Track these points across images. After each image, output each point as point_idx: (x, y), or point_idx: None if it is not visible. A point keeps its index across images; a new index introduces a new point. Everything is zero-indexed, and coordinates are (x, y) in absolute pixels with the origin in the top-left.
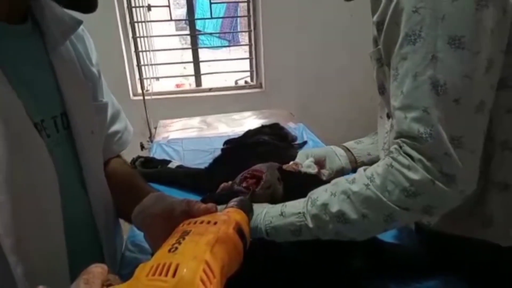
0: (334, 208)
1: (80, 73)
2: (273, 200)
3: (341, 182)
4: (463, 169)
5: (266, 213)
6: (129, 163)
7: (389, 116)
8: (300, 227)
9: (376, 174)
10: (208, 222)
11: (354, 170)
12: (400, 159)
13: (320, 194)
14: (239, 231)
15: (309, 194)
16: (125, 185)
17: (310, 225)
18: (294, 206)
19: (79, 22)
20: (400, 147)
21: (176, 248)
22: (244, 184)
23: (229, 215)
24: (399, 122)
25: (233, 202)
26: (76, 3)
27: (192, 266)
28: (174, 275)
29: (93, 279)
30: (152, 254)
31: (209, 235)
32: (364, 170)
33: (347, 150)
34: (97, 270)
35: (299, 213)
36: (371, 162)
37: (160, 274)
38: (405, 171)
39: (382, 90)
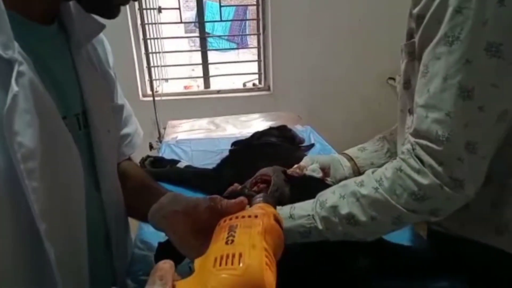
0: (343, 211)
1: (99, 74)
2: (280, 203)
3: (350, 184)
4: (472, 174)
5: None
6: (139, 165)
7: (410, 111)
8: (310, 229)
9: (384, 177)
10: (249, 216)
11: None
12: (411, 162)
13: (328, 196)
14: (277, 221)
15: (318, 196)
16: (139, 185)
17: (320, 227)
18: (303, 208)
19: (102, 26)
20: (413, 149)
21: (232, 240)
22: (255, 189)
23: (263, 209)
24: (420, 119)
25: (259, 198)
26: (99, 8)
27: (254, 254)
28: (239, 263)
29: (166, 275)
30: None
31: (257, 226)
32: (372, 172)
33: (350, 159)
34: (167, 266)
35: (309, 215)
36: None
37: (226, 264)
38: (414, 175)
39: (408, 85)
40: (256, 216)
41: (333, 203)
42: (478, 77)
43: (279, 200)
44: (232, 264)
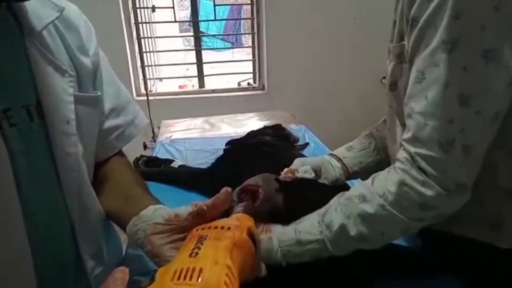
0: (352, 232)
1: (62, 62)
2: (274, 212)
3: (352, 201)
4: (470, 176)
5: (280, 242)
6: (132, 163)
7: (397, 111)
8: (321, 252)
9: (388, 192)
10: (222, 228)
11: (347, 179)
12: (414, 173)
13: (333, 216)
14: (251, 235)
15: (320, 215)
16: (124, 193)
17: (330, 249)
18: (309, 232)
19: (61, 10)
20: (413, 159)
21: (197, 253)
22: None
23: (240, 220)
24: (418, 127)
25: (240, 207)
26: None
27: (215, 271)
28: (198, 278)
29: (111, 286)
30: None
31: (226, 240)
32: (372, 183)
33: (339, 159)
34: (118, 276)
35: (318, 240)
36: (363, 171)
37: (184, 278)
38: (419, 187)
39: (394, 87)
40: (229, 228)
41: (340, 225)
42: (476, 84)
43: (271, 212)
44: (190, 279)
